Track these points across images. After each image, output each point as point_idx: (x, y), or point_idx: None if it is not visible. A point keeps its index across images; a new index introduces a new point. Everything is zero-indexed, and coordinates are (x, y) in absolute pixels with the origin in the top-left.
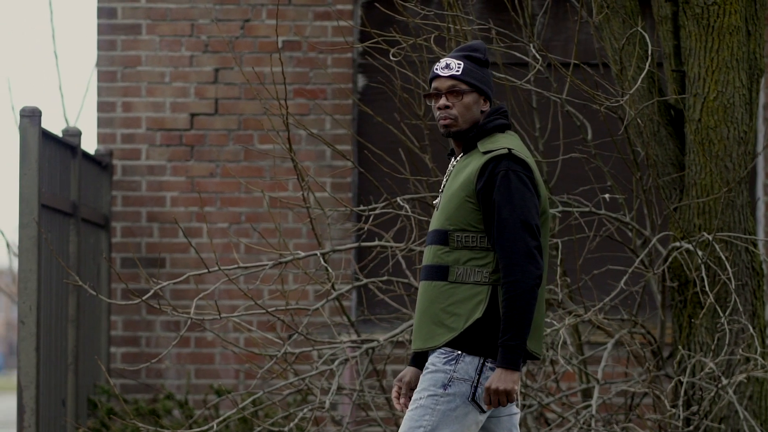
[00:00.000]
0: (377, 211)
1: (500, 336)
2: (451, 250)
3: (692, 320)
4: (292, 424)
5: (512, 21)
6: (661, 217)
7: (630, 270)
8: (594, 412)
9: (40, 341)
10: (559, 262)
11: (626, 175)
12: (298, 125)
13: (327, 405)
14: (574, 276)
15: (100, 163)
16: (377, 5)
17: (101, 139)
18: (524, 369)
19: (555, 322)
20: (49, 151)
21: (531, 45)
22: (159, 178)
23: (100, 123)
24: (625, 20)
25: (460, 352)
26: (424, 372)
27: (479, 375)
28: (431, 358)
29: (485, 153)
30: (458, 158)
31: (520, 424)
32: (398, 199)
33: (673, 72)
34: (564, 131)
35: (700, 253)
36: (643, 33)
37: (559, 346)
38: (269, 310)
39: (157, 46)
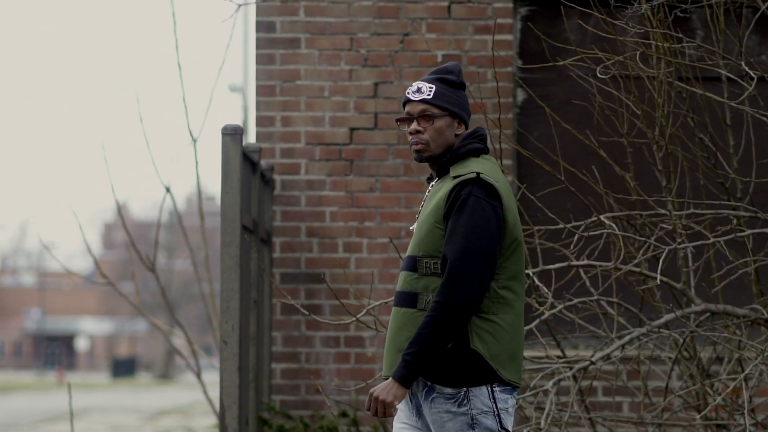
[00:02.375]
0: (581, 230)
1: (406, 348)
2: (420, 276)
3: None
4: None
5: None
6: None
7: None
8: None
9: (241, 362)
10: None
11: None
12: (511, 143)
13: (543, 426)
14: None
15: (263, 177)
16: (529, 22)
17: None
18: (515, 401)
19: None
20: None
21: (742, 61)
22: (318, 192)
23: (259, 137)
24: None
25: (466, 388)
26: (440, 423)
27: (495, 402)
28: (439, 406)
29: (455, 177)
30: (434, 183)
31: None
32: (601, 216)
33: None
34: (757, 148)
35: None
36: None
37: None
38: None
39: (316, 60)
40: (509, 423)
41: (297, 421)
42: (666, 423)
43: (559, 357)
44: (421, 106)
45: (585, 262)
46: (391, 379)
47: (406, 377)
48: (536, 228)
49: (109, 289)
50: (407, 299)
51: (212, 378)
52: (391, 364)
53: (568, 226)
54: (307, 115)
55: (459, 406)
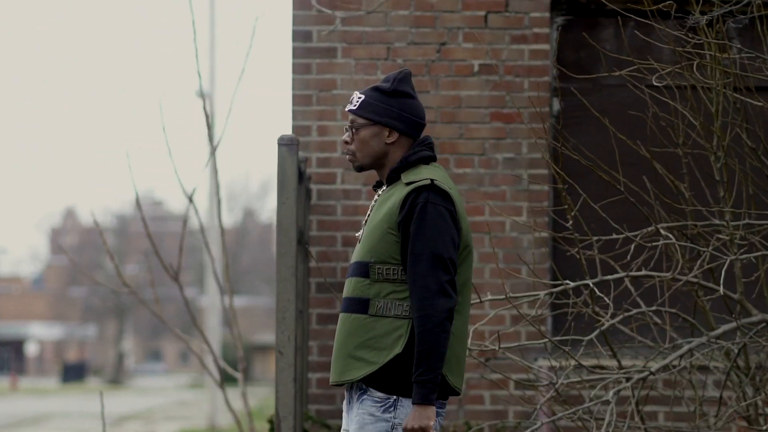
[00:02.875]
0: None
1: (413, 371)
2: (372, 282)
3: None
4: None
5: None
6: None
7: None
8: None
9: (296, 372)
10: None
11: None
12: (564, 148)
13: None
14: None
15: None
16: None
17: None
18: (440, 421)
19: None
20: None
21: None
22: (354, 202)
23: None
24: None
25: (396, 397)
26: (362, 423)
27: None
28: (366, 408)
29: (408, 184)
30: (382, 190)
31: None
32: (658, 227)
33: None
34: None
35: None
36: None
37: None
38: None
39: (353, 70)
40: None
41: (334, 429)
42: None
43: (617, 368)
44: (350, 117)
45: (643, 272)
46: (414, 406)
47: (426, 396)
48: (595, 238)
49: (59, 294)
50: (357, 305)
51: (162, 383)
52: (340, 371)
53: (629, 234)
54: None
55: (384, 411)
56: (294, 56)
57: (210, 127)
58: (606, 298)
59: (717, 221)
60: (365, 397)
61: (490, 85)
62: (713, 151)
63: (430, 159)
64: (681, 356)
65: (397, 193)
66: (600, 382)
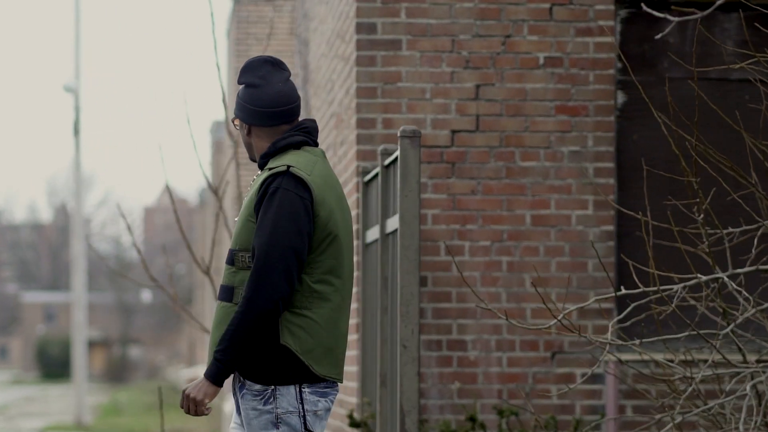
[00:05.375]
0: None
1: (216, 345)
2: (237, 270)
3: None
4: None
5: None
6: None
7: None
8: None
9: (420, 366)
10: None
11: None
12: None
13: (742, 429)
14: None
15: None
16: (632, 22)
17: (360, 156)
18: (329, 404)
19: None
20: None
21: None
22: (420, 195)
23: (360, 140)
24: None
25: (273, 386)
26: (248, 419)
27: (302, 403)
28: (247, 403)
29: (270, 170)
30: (257, 174)
31: None
32: None
33: None
34: None
35: None
36: None
37: None
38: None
39: (418, 62)
40: (317, 426)
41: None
42: None
43: (758, 361)
44: None
45: None
46: (202, 377)
47: (216, 375)
48: (725, 231)
49: None
50: (225, 293)
51: None
52: (210, 360)
53: (747, 228)
54: (408, 117)
55: (265, 403)
56: (358, 48)
57: (77, 121)
58: (745, 292)
59: None
60: (245, 391)
61: (556, 77)
62: None
63: (302, 143)
64: None
65: (260, 179)
66: (735, 376)
